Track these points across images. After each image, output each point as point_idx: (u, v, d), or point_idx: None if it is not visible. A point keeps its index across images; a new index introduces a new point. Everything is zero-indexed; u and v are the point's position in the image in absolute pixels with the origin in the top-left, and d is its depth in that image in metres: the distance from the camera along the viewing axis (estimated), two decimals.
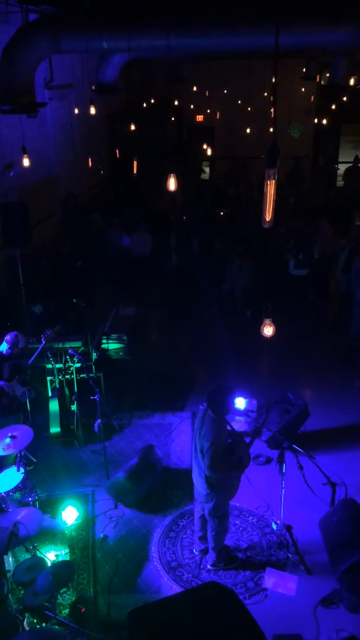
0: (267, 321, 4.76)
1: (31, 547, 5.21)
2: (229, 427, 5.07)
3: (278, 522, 5.68)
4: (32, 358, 6.62)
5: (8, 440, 5.58)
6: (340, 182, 17.27)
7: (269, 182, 3.48)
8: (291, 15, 6.53)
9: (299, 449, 5.68)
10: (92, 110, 11.53)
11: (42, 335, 6.76)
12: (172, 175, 5.60)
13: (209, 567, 5.39)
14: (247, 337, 8.92)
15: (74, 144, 13.53)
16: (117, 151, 15.62)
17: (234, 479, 5.13)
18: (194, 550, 5.58)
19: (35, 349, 6.83)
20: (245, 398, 7.48)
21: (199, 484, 5.15)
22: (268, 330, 4.77)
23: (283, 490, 5.54)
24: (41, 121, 11.20)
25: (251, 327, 6.63)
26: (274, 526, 5.76)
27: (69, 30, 7.30)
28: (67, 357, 7.11)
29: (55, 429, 7.13)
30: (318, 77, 17.56)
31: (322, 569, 5.26)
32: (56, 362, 7.12)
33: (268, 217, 3.67)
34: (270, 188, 3.49)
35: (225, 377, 7.69)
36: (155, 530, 5.85)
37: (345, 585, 4.88)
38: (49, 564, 4.97)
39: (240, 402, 7.37)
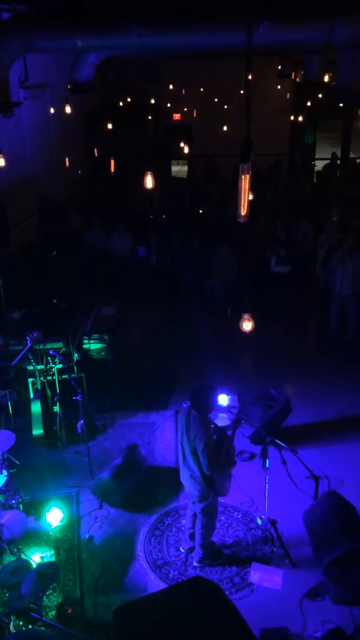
0: (246, 316, 4.80)
1: (16, 550, 5.17)
2: (212, 425, 5.10)
3: (263, 516, 5.71)
4: (17, 359, 6.56)
5: None
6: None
7: (243, 176, 3.51)
8: (264, 14, 6.58)
9: (282, 443, 5.72)
10: (68, 110, 11.48)
11: (28, 337, 6.69)
12: (149, 173, 5.60)
13: (195, 563, 5.40)
14: (229, 334, 9.00)
15: (50, 144, 13.45)
16: (95, 150, 15.56)
17: (227, 475, 5.16)
18: (181, 548, 5.59)
19: (16, 350, 6.76)
20: (227, 395, 7.51)
21: (190, 486, 5.15)
22: (247, 325, 4.81)
23: (267, 485, 5.57)
24: (17, 121, 11.10)
25: (232, 324, 6.68)
26: (259, 521, 5.79)
27: (43, 29, 7.27)
28: (49, 358, 7.06)
29: (37, 431, 7.08)
30: (293, 74, 17.67)
31: (307, 561, 5.30)
32: (37, 364, 7.07)
33: (243, 211, 3.69)
34: (245, 183, 3.51)
35: (207, 375, 7.72)
36: (141, 529, 5.85)
37: (330, 577, 4.93)
38: (34, 565, 4.95)
39: (223, 399, 7.40)
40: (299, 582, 5.15)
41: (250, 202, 4.05)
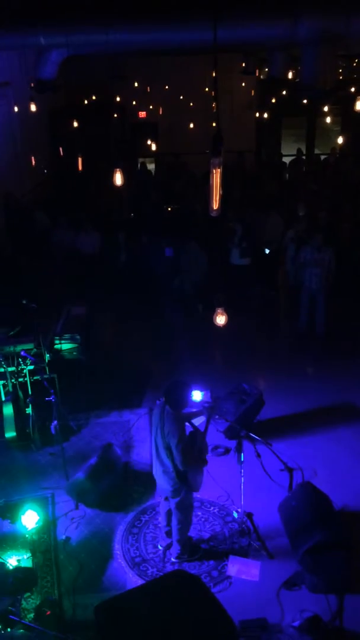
0: (219, 310, 4.82)
1: None
2: (185, 420, 5.12)
3: (239, 510, 5.76)
4: None
5: None
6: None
7: (214, 171, 3.54)
8: (228, 10, 6.62)
9: (256, 437, 5.77)
10: (33, 108, 11.34)
11: None
12: (117, 170, 5.58)
13: (173, 559, 5.42)
14: (200, 330, 9.03)
15: (14, 143, 13.26)
16: (60, 149, 15.41)
17: (200, 470, 5.19)
18: (159, 546, 5.59)
19: None
20: (201, 390, 7.53)
21: (163, 481, 5.16)
22: (220, 320, 4.83)
23: (242, 478, 5.62)
24: None
25: (203, 320, 6.71)
26: (235, 514, 5.83)
27: (4, 26, 7.15)
28: (20, 359, 6.99)
29: (10, 434, 6.99)
30: (257, 71, 17.80)
31: (283, 552, 5.37)
32: (8, 366, 6.98)
33: (215, 205, 3.71)
34: (216, 177, 3.55)
35: (180, 371, 7.73)
36: (118, 527, 5.83)
37: (306, 566, 5.00)
38: (11, 568, 4.89)
39: (196, 395, 7.42)
40: (276, 573, 5.22)
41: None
